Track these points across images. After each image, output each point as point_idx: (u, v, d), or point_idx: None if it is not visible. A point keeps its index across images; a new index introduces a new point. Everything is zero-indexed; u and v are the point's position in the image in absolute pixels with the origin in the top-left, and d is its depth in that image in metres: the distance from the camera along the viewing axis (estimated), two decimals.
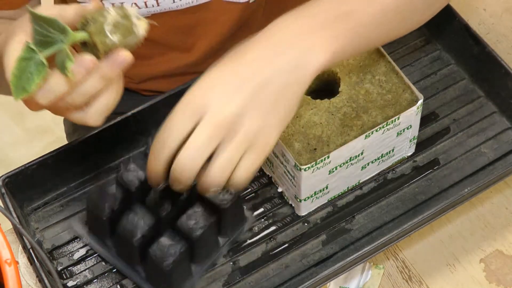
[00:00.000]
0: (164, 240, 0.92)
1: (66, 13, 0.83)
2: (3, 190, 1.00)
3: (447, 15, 1.13)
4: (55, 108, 0.85)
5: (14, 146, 2.10)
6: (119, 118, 1.04)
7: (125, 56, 0.82)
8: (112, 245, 0.99)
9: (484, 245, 1.05)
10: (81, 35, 0.82)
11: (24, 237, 0.96)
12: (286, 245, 1.01)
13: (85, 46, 0.83)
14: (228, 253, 1.01)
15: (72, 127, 1.39)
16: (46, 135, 2.11)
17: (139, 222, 0.93)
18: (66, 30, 0.80)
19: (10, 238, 1.02)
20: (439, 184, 1.05)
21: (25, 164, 1.02)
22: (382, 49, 1.03)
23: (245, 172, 0.83)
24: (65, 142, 1.30)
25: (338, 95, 1.00)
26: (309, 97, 1.00)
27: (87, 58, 0.80)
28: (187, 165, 0.81)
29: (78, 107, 0.84)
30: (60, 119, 1.41)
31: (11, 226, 0.98)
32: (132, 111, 1.05)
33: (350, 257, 0.96)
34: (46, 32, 0.81)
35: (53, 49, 0.80)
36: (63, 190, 1.06)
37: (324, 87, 1.04)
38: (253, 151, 0.82)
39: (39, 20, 0.81)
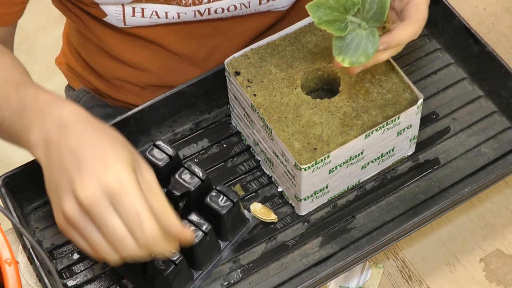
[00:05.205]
0: None
1: None
2: (3, 190, 1.00)
3: (447, 14, 1.13)
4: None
5: (14, 146, 2.09)
6: (118, 118, 1.04)
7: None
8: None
9: (484, 245, 1.05)
10: None
11: (24, 237, 0.96)
12: (286, 244, 1.01)
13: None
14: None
15: None
16: None
17: None
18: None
19: (10, 238, 1.02)
20: (439, 184, 1.05)
21: (25, 164, 1.02)
22: None
23: None
24: None
25: (338, 94, 1.00)
26: (309, 96, 1.00)
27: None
28: None
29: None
30: None
31: (11, 226, 0.98)
32: (132, 111, 1.05)
33: (350, 257, 0.96)
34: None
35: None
36: None
37: (324, 86, 1.04)
38: None
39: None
